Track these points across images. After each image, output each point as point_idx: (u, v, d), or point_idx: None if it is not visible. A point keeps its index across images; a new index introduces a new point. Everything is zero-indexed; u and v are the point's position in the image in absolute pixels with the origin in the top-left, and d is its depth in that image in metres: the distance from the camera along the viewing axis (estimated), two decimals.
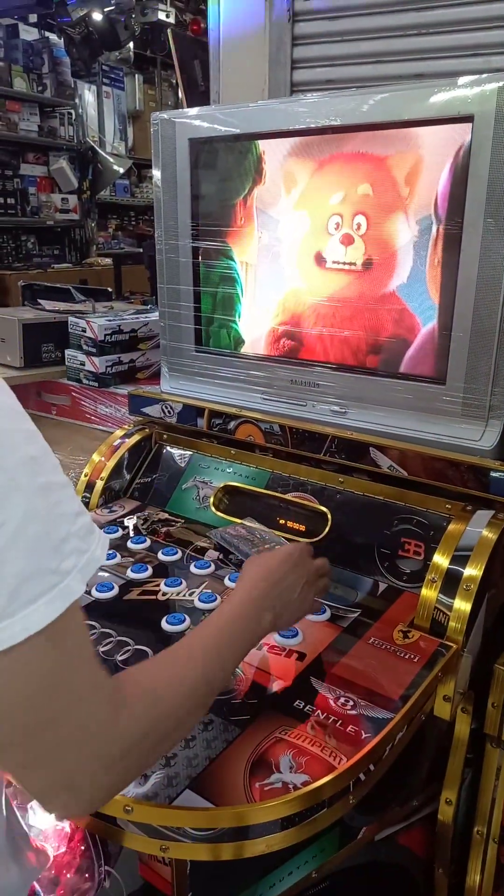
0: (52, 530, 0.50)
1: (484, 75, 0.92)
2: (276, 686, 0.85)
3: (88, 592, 1.03)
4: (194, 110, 1.22)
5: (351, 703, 0.82)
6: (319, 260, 1.12)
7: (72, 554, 0.50)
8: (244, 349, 1.27)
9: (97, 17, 4.28)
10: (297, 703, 0.82)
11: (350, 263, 1.09)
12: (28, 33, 4.84)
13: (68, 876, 0.83)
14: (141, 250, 5.25)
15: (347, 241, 1.08)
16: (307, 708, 0.81)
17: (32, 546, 0.48)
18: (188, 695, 0.62)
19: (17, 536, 0.47)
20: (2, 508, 0.47)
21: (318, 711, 0.80)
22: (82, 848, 0.83)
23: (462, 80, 0.94)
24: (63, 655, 0.50)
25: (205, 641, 0.68)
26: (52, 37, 4.94)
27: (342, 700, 0.82)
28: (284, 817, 0.70)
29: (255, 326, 1.24)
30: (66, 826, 0.85)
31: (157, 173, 1.26)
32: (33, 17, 4.59)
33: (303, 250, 1.15)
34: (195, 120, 1.21)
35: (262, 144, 1.15)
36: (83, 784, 0.53)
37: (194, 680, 0.63)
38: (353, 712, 0.80)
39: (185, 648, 0.67)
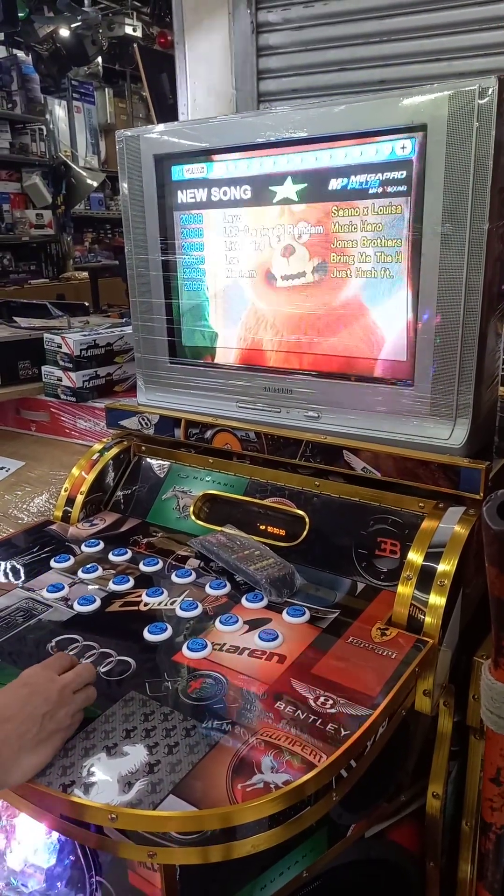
0: None
1: (435, 84, 0.95)
2: (257, 689, 0.86)
3: (70, 607, 1.04)
4: (159, 126, 1.24)
5: (331, 701, 0.83)
6: (272, 278, 1.15)
7: None
8: (218, 359, 1.28)
9: (64, 33, 4.31)
10: (277, 704, 0.83)
11: (302, 271, 1.11)
12: None
13: (59, 888, 0.84)
14: (118, 262, 5.26)
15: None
16: (287, 709, 0.82)
17: None
18: None
19: None
20: None
21: (299, 712, 0.82)
22: (72, 859, 0.84)
23: (415, 89, 0.96)
24: None
25: None
26: (21, 54, 4.96)
27: (322, 699, 0.84)
28: (268, 816, 0.72)
29: (225, 337, 1.26)
30: (55, 839, 0.86)
31: (124, 189, 1.28)
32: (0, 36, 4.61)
33: (261, 267, 1.17)
34: (160, 136, 1.23)
35: (216, 158, 1.17)
36: None
37: None
38: (333, 710, 0.82)
39: None
